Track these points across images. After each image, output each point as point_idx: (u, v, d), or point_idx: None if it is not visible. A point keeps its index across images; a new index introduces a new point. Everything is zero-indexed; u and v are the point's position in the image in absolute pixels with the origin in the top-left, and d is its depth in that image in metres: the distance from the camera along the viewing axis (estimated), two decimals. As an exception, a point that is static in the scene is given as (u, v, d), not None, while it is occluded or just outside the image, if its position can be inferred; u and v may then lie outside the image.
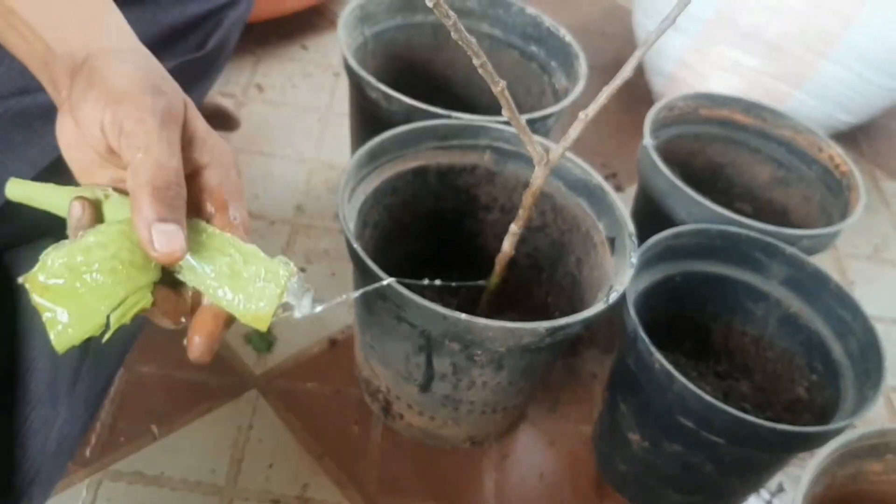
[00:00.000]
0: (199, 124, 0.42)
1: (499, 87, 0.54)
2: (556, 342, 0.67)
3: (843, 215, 0.88)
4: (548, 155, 0.62)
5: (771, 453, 0.70)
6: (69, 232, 0.40)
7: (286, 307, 0.42)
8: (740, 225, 0.80)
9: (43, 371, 0.50)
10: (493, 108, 0.64)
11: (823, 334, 0.78)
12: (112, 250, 0.38)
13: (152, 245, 0.37)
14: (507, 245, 0.70)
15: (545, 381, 0.88)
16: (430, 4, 0.45)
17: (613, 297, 0.67)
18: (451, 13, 0.47)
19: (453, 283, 0.71)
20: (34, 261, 0.37)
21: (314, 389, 0.84)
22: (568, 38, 0.96)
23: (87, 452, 0.75)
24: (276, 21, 1.25)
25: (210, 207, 0.42)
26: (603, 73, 0.76)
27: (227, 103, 1.01)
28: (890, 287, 1.13)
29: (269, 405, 0.82)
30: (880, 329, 0.74)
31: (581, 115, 0.58)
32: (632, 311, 0.70)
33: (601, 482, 0.82)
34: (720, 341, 0.87)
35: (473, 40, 0.50)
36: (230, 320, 0.41)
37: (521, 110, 0.60)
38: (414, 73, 1.02)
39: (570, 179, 0.79)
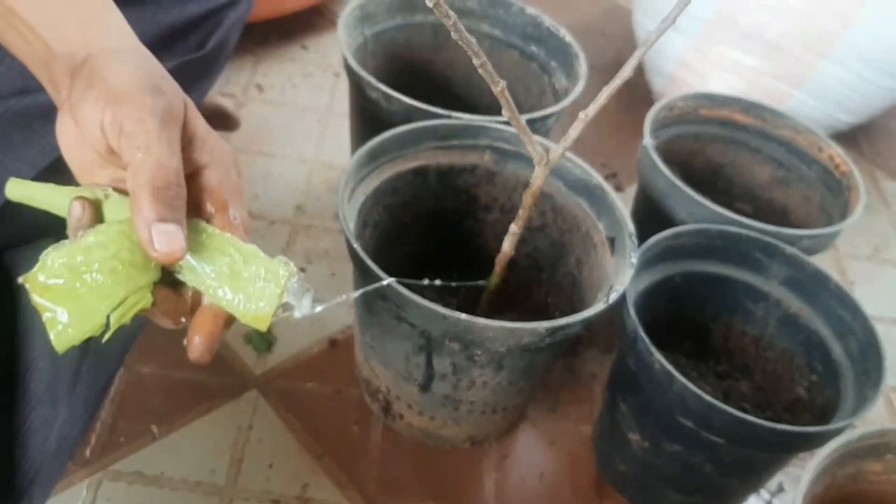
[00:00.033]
0: (199, 124, 0.42)
1: (499, 87, 0.54)
2: (556, 342, 0.67)
3: (843, 215, 0.88)
4: (548, 155, 0.62)
5: (771, 453, 0.70)
6: (69, 232, 0.40)
7: (286, 307, 0.42)
8: (740, 225, 0.80)
9: (43, 371, 0.50)
10: (493, 108, 0.64)
11: (823, 334, 0.78)
12: (112, 250, 0.38)
13: (152, 245, 0.37)
14: (507, 245, 0.70)
15: (545, 381, 0.88)
16: (430, 4, 0.45)
17: (613, 297, 0.67)
18: (451, 13, 0.47)
19: (453, 283, 0.71)
20: (34, 261, 0.37)
21: (314, 389, 0.84)
22: (568, 38, 0.96)
23: (87, 452, 0.75)
24: (276, 21, 1.25)
25: (210, 207, 0.42)
26: (603, 73, 0.76)
27: (227, 103, 1.01)
28: (890, 287, 1.13)
29: (269, 405, 0.82)
30: (880, 329, 0.74)
31: (581, 115, 0.58)
32: (632, 311, 0.70)
33: (601, 482, 0.82)
34: (720, 341, 0.87)
35: (473, 40, 0.50)
36: (230, 320, 0.41)
37: (521, 110, 0.60)
38: (414, 73, 1.02)
39: (570, 179, 0.79)
